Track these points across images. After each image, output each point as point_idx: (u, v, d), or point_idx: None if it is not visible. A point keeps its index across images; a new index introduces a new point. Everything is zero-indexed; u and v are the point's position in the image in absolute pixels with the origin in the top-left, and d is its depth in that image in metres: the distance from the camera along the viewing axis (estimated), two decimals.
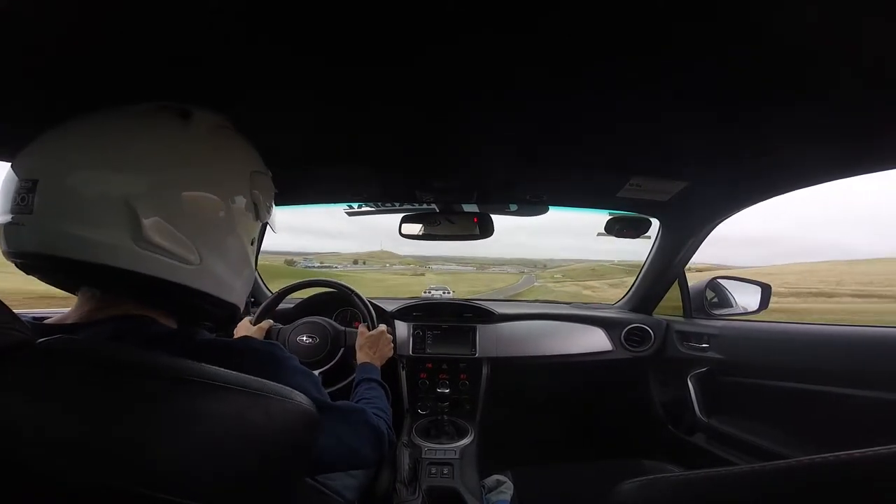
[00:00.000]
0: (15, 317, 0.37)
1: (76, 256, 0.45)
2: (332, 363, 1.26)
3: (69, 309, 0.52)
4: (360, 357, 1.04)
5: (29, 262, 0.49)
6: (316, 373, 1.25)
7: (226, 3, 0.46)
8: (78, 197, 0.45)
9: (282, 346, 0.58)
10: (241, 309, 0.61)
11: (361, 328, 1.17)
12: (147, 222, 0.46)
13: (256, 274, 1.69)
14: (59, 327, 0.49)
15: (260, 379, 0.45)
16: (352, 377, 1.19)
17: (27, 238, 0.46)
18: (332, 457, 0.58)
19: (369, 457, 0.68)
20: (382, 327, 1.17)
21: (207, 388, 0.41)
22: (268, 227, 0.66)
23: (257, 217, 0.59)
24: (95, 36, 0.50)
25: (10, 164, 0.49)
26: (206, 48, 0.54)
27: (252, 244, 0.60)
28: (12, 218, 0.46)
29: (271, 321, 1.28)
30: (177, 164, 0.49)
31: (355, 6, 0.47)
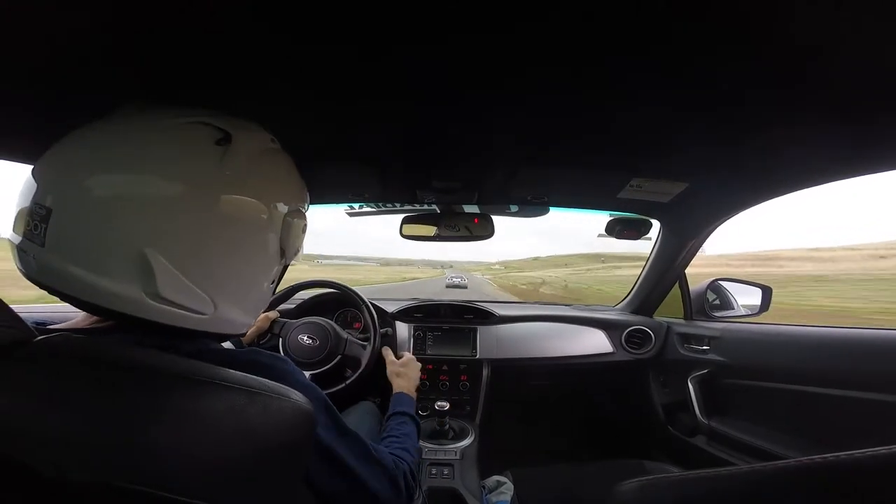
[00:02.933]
0: (14, 315, 0.38)
1: (85, 299, 0.43)
2: (325, 368, 1.27)
3: (78, 317, 0.51)
4: (398, 385, 1.01)
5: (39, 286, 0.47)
6: (307, 374, 1.27)
7: None
8: (92, 242, 0.42)
9: (286, 360, 0.55)
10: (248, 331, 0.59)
11: (389, 356, 1.17)
12: (161, 278, 0.43)
13: None
14: (67, 331, 0.48)
15: (257, 377, 0.45)
16: (341, 385, 1.21)
17: (38, 270, 0.44)
18: (332, 487, 0.53)
19: (387, 498, 0.59)
20: (408, 355, 1.18)
21: (205, 386, 0.41)
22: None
23: (281, 260, 0.56)
24: (95, 33, 0.50)
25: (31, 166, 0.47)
26: (204, 43, 0.54)
27: (273, 283, 0.57)
28: (22, 244, 0.44)
29: (278, 312, 1.30)
30: (203, 211, 0.45)
31: (358, 5, 0.48)
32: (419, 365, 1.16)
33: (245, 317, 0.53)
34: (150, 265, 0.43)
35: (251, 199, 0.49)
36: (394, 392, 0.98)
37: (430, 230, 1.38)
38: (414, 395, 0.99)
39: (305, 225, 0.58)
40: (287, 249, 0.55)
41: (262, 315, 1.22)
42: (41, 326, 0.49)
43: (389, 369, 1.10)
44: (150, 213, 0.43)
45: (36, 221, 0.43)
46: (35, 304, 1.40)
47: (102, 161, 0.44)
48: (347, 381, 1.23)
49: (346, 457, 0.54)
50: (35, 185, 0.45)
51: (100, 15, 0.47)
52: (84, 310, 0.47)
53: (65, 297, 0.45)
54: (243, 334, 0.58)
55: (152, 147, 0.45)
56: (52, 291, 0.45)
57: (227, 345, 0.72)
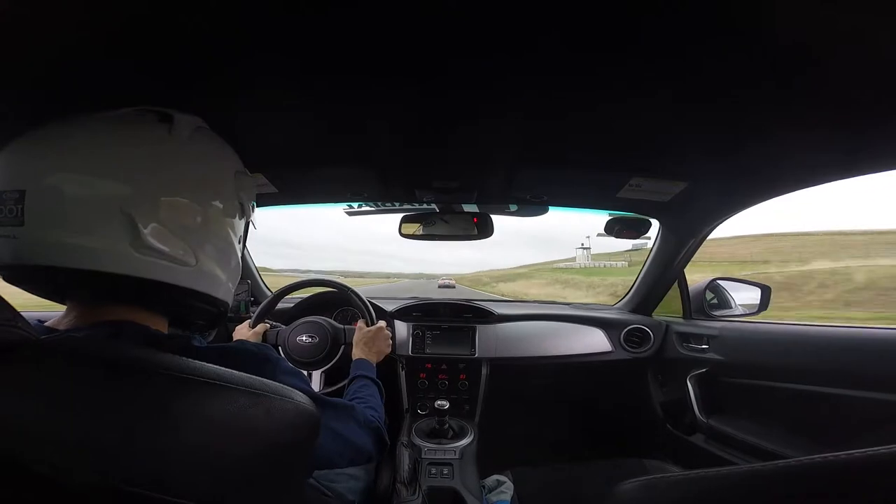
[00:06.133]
0: (18, 314, 0.37)
1: (74, 265, 0.44)
2: (332, 362, 1.26)
3: (58, 316, 0.52)
4: (356, 353, 1.04)
5: (18, 274, 0.48)
6: (317, 372, 1.26)
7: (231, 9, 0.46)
8: (70, 205, 0.44)
9: (272, 348, 0.59)
10: (230, 304, 0.62)
11: (360, 324, 1.17)
12: (145, 228, 0.46)
13: (257, 276, 1.69)
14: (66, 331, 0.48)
15: (260, 378, 0.45)
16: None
17: (20, 250, 0.45)
18: (326, 452, 0.59)
19: (367, 451, 0.69)
20: (381, 323, 1.17)
21: (208, 388, 0.41)
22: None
23: (243, 215, 0.60)
24: (96, 36, 0.50)
25: None
26: (208, 47, 0.54)
27: (239, 242, 0.61)
28: (2, 231, 0.44)
29: (268, 324, 1.28)
30: (166, 168, 0.49)
31: (361, 23, 0.48)
32: (388, 335, 1.15)
33: (224, 274, 0.57)
34: (133, 218, 0.45)
35: (204, 159, 0.55)
36: (353, 358, 1.01)
37: (429, 229, 1.38)
38: (373, 360, 1.02)
39: (252, 182, 0.63)
40: (245, 206, 0.60)
41: (252, 332, 1.20)
42: (39, 323, 0.49)
43: (356, 336, 1.10)
44: (120, 175, 0.46)
45: (10, 205, 0.44)
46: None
47: (66, 141, 0.47)
48: None
49: (333, 425, 0.61)
50: None
51: (104, 14, 0.47)
52: (68, 285, 0.49)
53: (46, 276, 0.46)
54: (227, 311, 0.61)
55: (111, 127, 0.49)
56: (30, 274, 0.47)
57: None
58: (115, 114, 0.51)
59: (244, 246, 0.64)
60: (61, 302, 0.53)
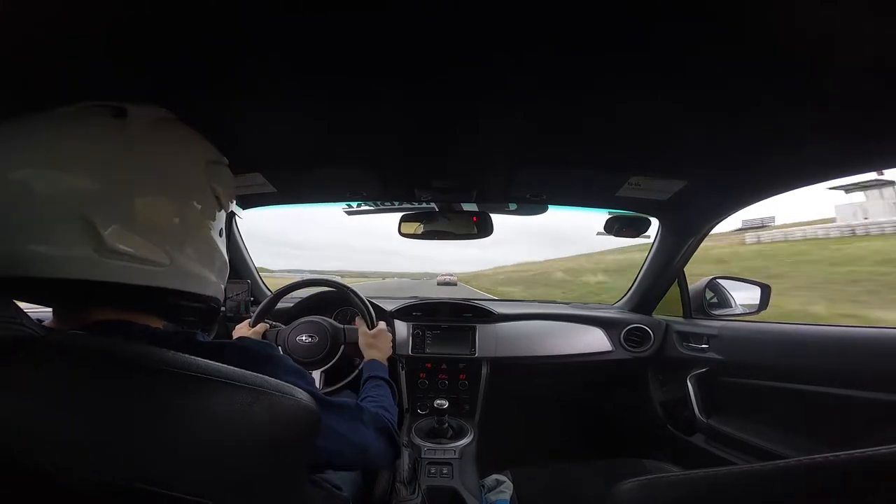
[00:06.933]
0: (21, 311, 0.37)
1: (41, 274, 0.42)
2: (332, 361, 1.26)
3: (50, 319, 0.50)
4: (369, 354, 1.04)
5: None
6: (317, 372, 1.26)
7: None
8: (27, 212, 0.42)
9: (275, 346, 0.58)
10: (221, 300, 0.60)
11: (362, 328, 1.17)
12: (107, 232, 0.43)
13: (257, 275, 1.69)
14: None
15: (261, 375, 0.45)
16: (353, 375, 1.19)
17: None
18: (328, 453, 0.58)
19: (380, 451, 0.68)
20: (381, 325, 1.17)
21: (210, 385, 0.41)
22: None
23: (220, 207, 0.58)
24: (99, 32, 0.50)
25: None
26: (208, 47, 0.54)
27: (221, 235, 0.59)
28: None
29: (268, 324, 1.28)
30: (121, 164, 0.46)
31: (360, 23, 0.48)
32: (390, 335, 1.15)
33: (206, 270, 0.55)
34: (93, 222, 0.43)
35: (166, 153, 0.51)
36: (366, 360, 1.01)
37: (429, 228, 1.38)
38: (386, 362, 1.02)
39: (228, 171, 0.60)
40: (221, 197, 0.57)
41: (252, 330, 1.19)
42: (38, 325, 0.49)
43: (361, 340, 1.10)
44: (74, 177, 0.44)
45: None
46: None
47: (15, 145, 0.45)
48: (359, 368, 1.21)
49: (337, 426, 0.59)
50: None
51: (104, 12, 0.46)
52: (42, 294, 0.47)
53: (16, 286, 0.43)
54: (220, 307, 0.60)
55: (61, 126, 0.46)
56: None
57: None
58: (63, 111, 0.48)
59: (228, 239, 0.62)
60: (46, 306, 0.51)
